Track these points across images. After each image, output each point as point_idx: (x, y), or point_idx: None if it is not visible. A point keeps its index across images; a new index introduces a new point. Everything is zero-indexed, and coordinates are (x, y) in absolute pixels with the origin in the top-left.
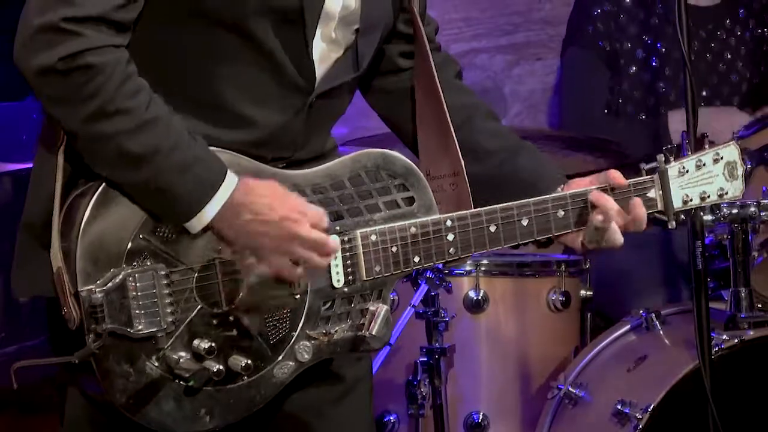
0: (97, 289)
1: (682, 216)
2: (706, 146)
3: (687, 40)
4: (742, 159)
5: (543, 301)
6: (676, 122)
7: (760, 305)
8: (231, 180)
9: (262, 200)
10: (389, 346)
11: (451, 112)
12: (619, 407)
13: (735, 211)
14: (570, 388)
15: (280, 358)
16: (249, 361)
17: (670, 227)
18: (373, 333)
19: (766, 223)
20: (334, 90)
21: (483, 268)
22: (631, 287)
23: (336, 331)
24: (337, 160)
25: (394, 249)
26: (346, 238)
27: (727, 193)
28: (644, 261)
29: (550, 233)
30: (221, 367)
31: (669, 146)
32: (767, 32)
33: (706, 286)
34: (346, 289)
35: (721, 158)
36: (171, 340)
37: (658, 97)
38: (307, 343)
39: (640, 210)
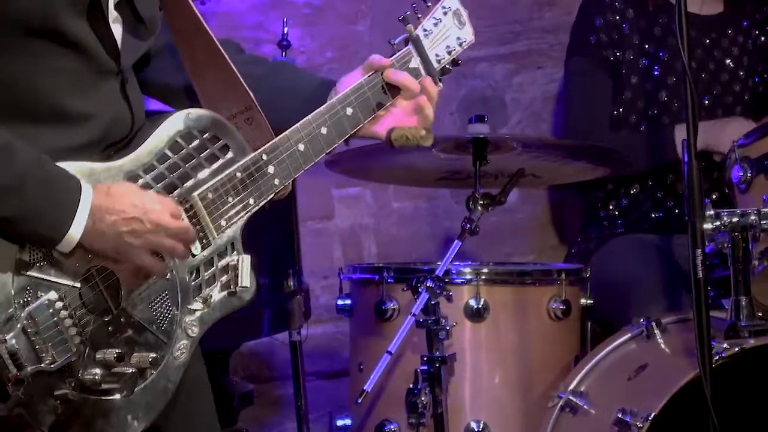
0: (6, 337)
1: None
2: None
3: (687, 50)
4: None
5: (543, 310)
6: (684, 135)
7: (760, 314)
8: (87, 188)
9: (122, 199)
10: (389, 355)
11: None
12: (619, 416)
13: (735, 219)
14: (570, 397)
15: (174, 340)
16: (154, 354)
17: (438, 88)
18: (241, 285)
19: (767, 231)
20: (134, 63)
21: (483, 277)
22: (632, 296)
23: (211, 296)
24: (152, 135)
25: (230, 199)
26: (187, 205)
27: (465, 41)
28: (644, 270)
29: (347, 133)
30: (133, 370)
31: (407, 13)
32: None
33: (707, 295)
34: (205, 253)
35: (448, 9)
36: (82, 361)
37: (660, 107)
38: (192, 317)
39: (407, 80)
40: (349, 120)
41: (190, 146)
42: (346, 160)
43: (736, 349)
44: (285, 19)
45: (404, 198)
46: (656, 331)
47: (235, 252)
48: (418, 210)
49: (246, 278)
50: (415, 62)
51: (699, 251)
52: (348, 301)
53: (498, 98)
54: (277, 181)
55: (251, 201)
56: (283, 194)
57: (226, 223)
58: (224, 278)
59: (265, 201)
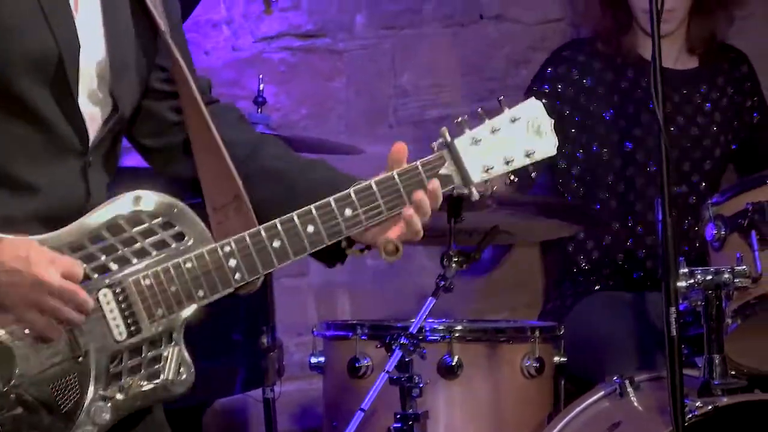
0: None
1: (494, 186)
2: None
3: (662, 105)
4: (550, 113)
5: (517, 367)
6: None
7: (733, 372)
8: None
9: (7, 249)
10: (362, 412)
11: (237, 147)
12: None
13: (709, 277)
14: None
15: (76, 425)
16: None
17: (473, 199)
18: (170, 378)
19: (740, 289)
20: (107, 147)
21: (457, 335)
22: (606, 354)
23: (131, 386)
24: (88, 214)
25: (173, 288)
26: (118, 289)
27: (534, 153)
28: (618, 327)
29: (341, 234)
30: None
31: (461, 118)
32: (748, 101)
33: (680, 353)
34: (132, 340)
35: (519, 118)
36: None
37: (626, 158)
38: (102, 404)
39: (432, 185)
40: (346, 221)
41: (134, 230)
42: None
43: (709, 407)
44: (261, 76)
45: (378, 255)
46: (629, 389)
47: (171, 343)
48: (392, 267)
49: (174, 371)
50: (448, 169)
51: (673, 309)
52: (321, 359)
53: None
54: (238, 276)
55: (200, 293)
56: (250, 289)
57: (164, 313)
58: (153, 368)
59: (220, 295)
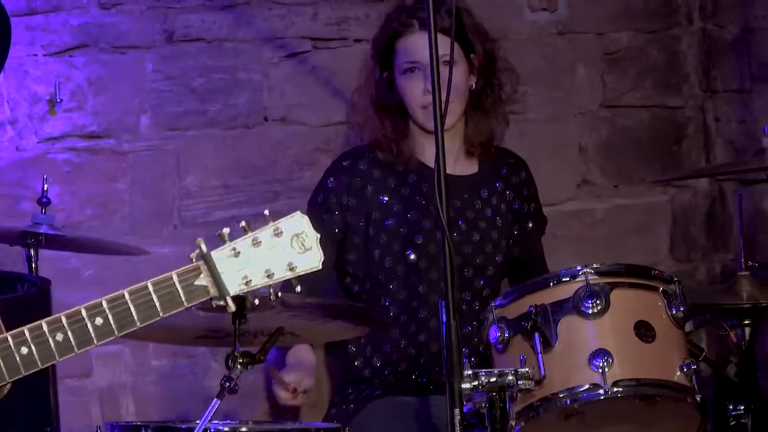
0: None
1: (255, 299)
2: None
3: (446, 212)
4: (316, 227)
5: None
6: None
7: None
8: None
9: None
10: None
11: None
12: None
13: (493, 379)
14: None
15: None
16: None
17: (229, 311)
18: None
19: (524, 391)
20: None
21: None
22: None
23: None
24: None
25: None
26: None
27: (297, 267)
28: (402, 431)
29: (92, 343)
30: None
31: (222, 230)
32: (525, 207)
33: None
34: None
35: (283, 232)
36: None
37: (408, 266)
38: None
39: None
40: (96, 330)
41: None
42: None
43: None
44: (45, 176)
45: (163, 356)
46: None
47: None
48: (176, 368)
49: None
50: (204, 280)
51: (457, 411)
52: None
53: None
54: None
55: None
56: None
57: None
58: None
59: None
